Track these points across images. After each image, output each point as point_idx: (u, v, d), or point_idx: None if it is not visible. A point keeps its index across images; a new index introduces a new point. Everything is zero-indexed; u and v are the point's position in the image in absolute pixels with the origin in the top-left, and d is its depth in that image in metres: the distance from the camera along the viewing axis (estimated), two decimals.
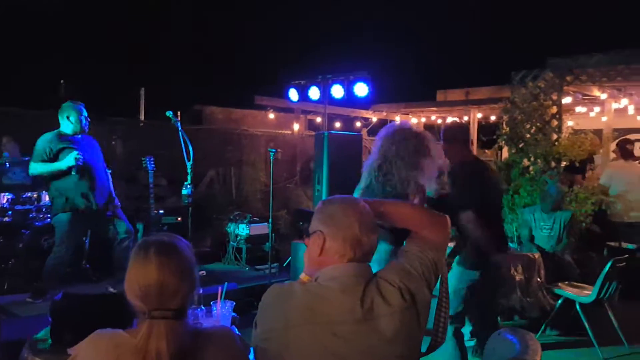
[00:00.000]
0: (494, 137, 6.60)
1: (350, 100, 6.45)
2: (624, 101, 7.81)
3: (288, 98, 6.90)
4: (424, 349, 1.53)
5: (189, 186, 4.60)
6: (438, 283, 1.56)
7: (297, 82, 6.73)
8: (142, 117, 9.00)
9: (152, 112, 8.42)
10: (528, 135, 6.25)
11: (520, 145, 6.28)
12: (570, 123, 7.79)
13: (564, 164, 6.26)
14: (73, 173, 4.03)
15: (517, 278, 4.42)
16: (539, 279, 4.54)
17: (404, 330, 1.39)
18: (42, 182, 4.50)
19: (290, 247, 5.59)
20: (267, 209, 5.51)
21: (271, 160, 5.24)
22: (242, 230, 6.04)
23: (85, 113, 4.16)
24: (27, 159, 5.34)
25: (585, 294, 4.14)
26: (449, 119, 11.08)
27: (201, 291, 2.07)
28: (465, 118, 9.79)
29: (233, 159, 9.12)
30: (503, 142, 6.49)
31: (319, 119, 10.78)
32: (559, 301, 4.27)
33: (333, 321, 1.35)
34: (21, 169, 5.17)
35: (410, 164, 2.17)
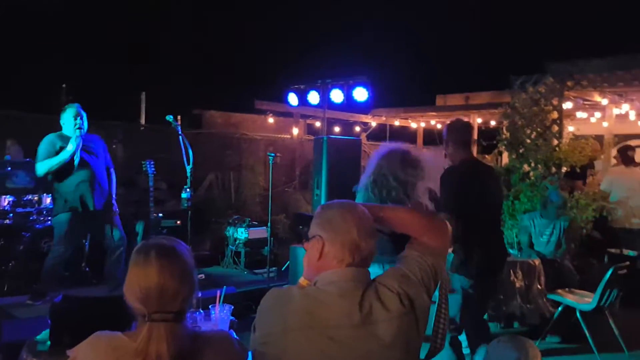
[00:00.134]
0: (494, 142, 6.60)
1: (349, 104, 6.46)
2: (625, 107, 7.82)
3: (287, 102, 6.91)
4: (422, 355, 1.52)
5: (188, 190, 4.60)
6: (437, 289, 1.56)
7: (296, 86, 6.75)
8: (142, 121, 9.01)
9: (153, 116, 8.43)
10: (528, 141, 6.25)
11: (521, 151, 6.28)
12: (571, 128, 7.80)
13: (564, 169, 6.26)
14: (75, 164, 4.04)
15: (517, 284, 4.41)
16: (539, 286, 4.53)
17: (402, 336, 1.39)
18: (46, 183, 4.52)
19: (288, 251, 5.58)
20: (265, 213, 5.51)
21: (270, 165, 5.25)
22: (241, 234, 6.04)
23: (81, 112, 4.15)
24: (28, 160, 5.37)
25: (585, 301, 4.12)
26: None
27: (200, 295, 2.06)
28: None
29: (232, 163, 9.13)
30: (503, 147, 6.50)
31: (318, 124, 10.79)
32: (559, 308, 4.26)
33: (331, 326, 1.35)
34: (23, 171, 5.17)
35: (402, 178, 2.20)
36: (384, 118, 11.22)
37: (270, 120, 10.45)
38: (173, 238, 1.44)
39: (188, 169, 4.55)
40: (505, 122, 6.54)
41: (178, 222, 5.75)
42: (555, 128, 6.28)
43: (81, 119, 4.13)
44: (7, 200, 4.86)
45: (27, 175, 5.18)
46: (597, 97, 7.49)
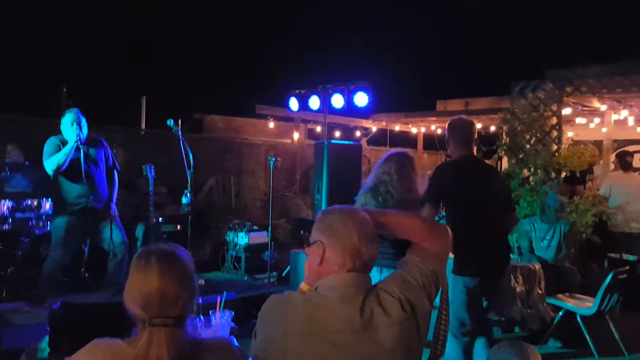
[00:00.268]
0: (494, 147, 6.61)
1: (350, 109, 6.48)
2: (624, 112, 7.84)
3: (288, 107, 6.92)
4: None
5: (188, 194, 4.60)
6: (438, 294, 1.56)
7: (297, 91, 6.76)
8: (143, 125, 9.02)
9: (153, 121, 8.44)
10: (528, 146, 6.26)
11: (520, 156, 6.28)
12: (570, 134, 7.82)
13: (563, 174, 6.27)
14: (82, 169, 4.06)
15: (518, 289, 4.40)
16: (539, 291, 4.52)
17: (403, 342, 1.38)
18: (46, 188, 4.52)
19: (289, 256, 5.57)
20: (266, 217, 5.51)
21: (271, 169, 5.25)
22: (241, 239, 6.02)
23: (80, 118, 4.16)
24: (28, 163, 5.37)
25: (586, 305, 4.12)
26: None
27: (200, 301, 2.06)
28: None
29: (233, 167, 9.13)
30: (503, 152, 6.50)
31: (318, 128, 10.81)
32: (560, 313, 4.25)
33: (331, 331, 1.35)
34: (22, 175, 5.17)
35: (402, 181, 2.22)
36: (384, 123, 11.24)
37: (271, 124, 10.46)
38: (173, 244, 1.44)
39: (188, 173, 4.55)
40: (505, 128, 6.56)
41: (178, 226, 5.75)
42: (555, 133, 6.30)
43: (79, 125, 4.12)
44: (6, 205, 4.86)
45: (25, 179, 5.18)
46: (596, 103, 7.50)
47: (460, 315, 3.06)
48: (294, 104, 6.78)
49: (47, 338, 2.14)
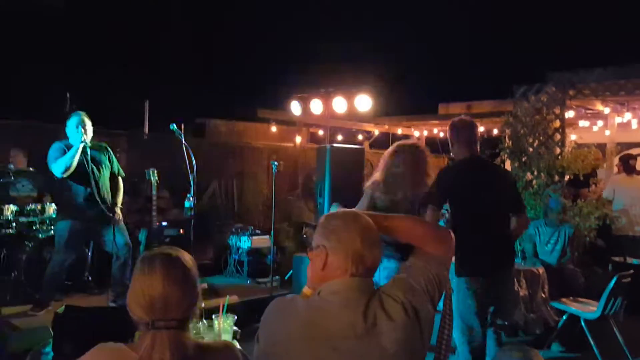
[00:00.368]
0: (496, 150, 6.60)
1: (352, 113, 6.48)
2: (628, 115, 7.82)
3: (290, 111, 6.93)
4: None
5: (191, 198, 4.61)
6: (442, 299, 1.55)
7: (299, 95, 6.77)
8: (146, 130, 9.04)
9: (156, 125, 8.46)
10: (531, 149, 6.25)
11: (523, 159, 6.28)
12: (573, 137, 7.80)
13: (567, 177, 6.26)
14: (88, 170, 4.07)
15: (521, 293, 4.39)
16: (542, 294, 4.51)
17: (406, 346, 1.38)
18: (50, 192, 4.54)
19: (291, 259, 5.56)
20: (268, 221, 5.51)
21: (273, 173, 5.26)
22: (244, 242, 6.03)
23: (85, 121, 4.18)
24: (32, 169, 5.39)
25: (590, 309, 4.10)
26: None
27: (203, 304, 2.06)
28: None
29: (235, 171, 9.14)
30: (505, 155, 6.50)
31: (321, 132, 10.81)
32: (564, 317, 4.23)
33: (335, 336, 1.34)
34: (27, 180, 5.19)
35: (412, 176, 2.17)
36: (386, 126, 11.24)
37: (273, 128, 10.47)
38: (177, 247, 1.45)
39: (191, 177, 4.56)
40: (508, 131, 6.55)
41: (181, 230, 5.75)
42: (558, 137, 6.29)
43: (84, 127, 4.16)
44: (10, 209, 4.88)
45: (29, 184, 5.20)
46: (599, 106, 7.49)
47: (466, 318, 3.04)
48: (296, 107, 6.79)
49: (51, 342, 2.14)
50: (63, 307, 2.21)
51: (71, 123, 4.18)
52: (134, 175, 5.96)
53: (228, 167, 9.03)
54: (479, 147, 3.28)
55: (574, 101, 6.81)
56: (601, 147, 7.79)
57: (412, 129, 11.36)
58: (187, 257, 1.42)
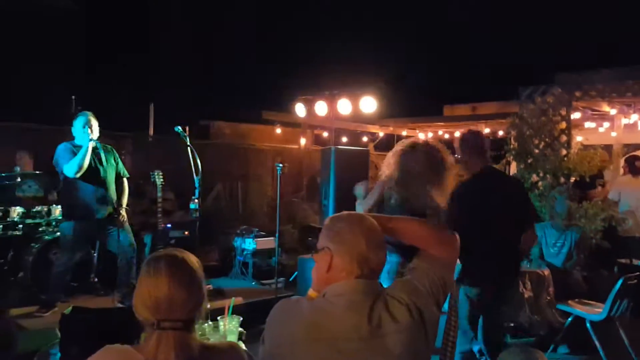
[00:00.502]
0: (502, 152, 6.58)
1: (357, 115, 6.49)
2: (634, 117, 7.78)
3: (295, 113, 6.94)
4: None
5: (196, 200, 4.63)
6: (447, 301, 1.55)
7: (304, 97, 6.79)
8: (151, 132, 9.09)
9: (161, 127, 8.50)
10: (537, 151, 6.23)
11: (529, 161, 6.26)
12: (579, 138, 7.76)
13: (573, 179, 6.23)
14: (95, 167, 4.11)
15: (526, 295, 4.37)
16: (547, 296, 4.49)
17: (411, 348, 1.38)
18: (56, 193, 4.57)
19: (296, 261, 5.56)
20: (273, 223, 5.51)
21: (278, 175, 5.26)
22: (249, 244, 6.03)
23: (91, 121, 4.21)
24: (38, 172, 5.42)
25: (596, 311, 4.08)
26: (457, 133, 11.09)
27: (208, 306, 2.06)
28: None
29: (240, 173, 9.17)
30: (511, 157, 6.48)
31: (325, 134, 10.82)
32: (569, 319, 4.21)
33: (339, 338, 1.35)
34: (33, 182, 5.23)
35: (427, 177, 2.12)
36: (391, 128, 11.24)
37: (278, 130, 10.49)
38: (182, 250, 1.46)
39: (196, 179, 4.58)
40: (513, 132, 6.53)
41: (186, 232, 5.77)
42: (564, 138, 6.26)
43: (91, 127, 4.18)
44: (16, 211, 4.91)
45: (35, 186, 5.24)
46: (605, 107, 7.46)
47: (461, 325, 3.05)
48: (300, 109, 6.80)
49: (58, 343, 2.15)
50: (70, 308, 2.22)
51: (78, 123, 4.20)
52: (139, 177, 5.99)
53: (233, 169, 9.06)
54: (488, 156, 3.27)
55: (580, 102, 6.78)
56: (607, 148, 7.75)
57: (417, 131, 11.35)
58: (193, 259, 1.42)
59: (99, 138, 4.29)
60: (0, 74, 9.78)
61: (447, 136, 10.93)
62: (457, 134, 10.13)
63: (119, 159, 4.52)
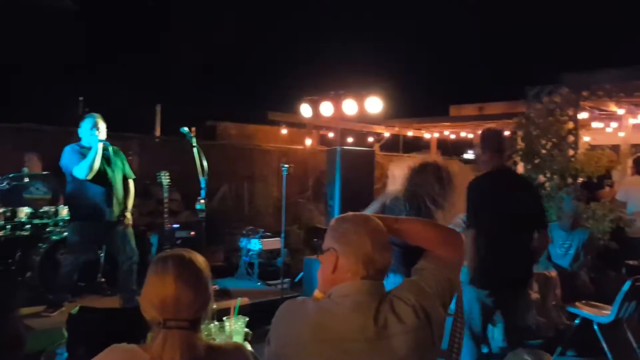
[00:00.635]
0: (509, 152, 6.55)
1: (362, 115, 6.48)
2: None
3: (301, 114, 6.95)
4: None
5: (202, 201, 4.64)
6: (453, 302, 1.55)
7: (309, 97, 6.79)
8: (157, 133, 9.13)
9: (168, 128, 8.54)
10: (544, 151, 6.19)
11: (536, 161, 6.22)
12: (586, 138, 7.71)
13: (580, 180, 6.19)
14: (102, 168, 4.14)
15: (533, 297, 4.35)
16: (554, 298, 4.46)
17: (417, 349, 1.38)
18: (63, 193, 4.60)
19: (301, 262, 5.56)
20: (279, 223, 5.52)
21: (283, 176, 5.27)
22: (255, 245, 6.04)
23: (99, 122, 4.22)
24: (46, 173, 5.46)
25: (603, 313, 4.05)
26: (463, 133, 11.05)
27: (215, 306, 2.07)
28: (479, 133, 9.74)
29: (245, 174, 9.17)
30: (518, 157, 6.44)
31: (331, 134, 10.82)
32: (576, 321, 4.19)
33: (345, 339, 1.35)
34: (41, 183, 5.26)
35: (436, 195, 2.12)
36: (397, 128, 11.22)
37: (284, 131, 10.50)
38: (189, 250, 1.47)
39: (202, 180, 4.59)
40: (520, 133, 6.49)
41: (192, 232, 5.79)
42: (571, 138, 6.22)
43: (98, 129, 4.20)
44: (24, 212, 4.95)
45: (43, 186, 5.27)
46: (613, 107, 7.40)
47: (473, 325, 3.04)
48: (306, 110, 6.80)
49: (65, 343, 2.16)
50: (77, 308, 2.23)
51: (85, 124, 4.21)
52: (146, 178, 6.01)
53: (238, 170, 9.07)
54: (505, 156, 3.28)
55: (587, 102, 6.73)
56: (615, 148, 7.69)
57: (423, 131, 11.33)
58: (200, 259, 1.43)
59: (106, 139, 4.31)
60: (0, 74, 9.86)
61: (453, 137, 10.90)
62: (463, 134, 10.09)
63: (125, 161, 4.53)
